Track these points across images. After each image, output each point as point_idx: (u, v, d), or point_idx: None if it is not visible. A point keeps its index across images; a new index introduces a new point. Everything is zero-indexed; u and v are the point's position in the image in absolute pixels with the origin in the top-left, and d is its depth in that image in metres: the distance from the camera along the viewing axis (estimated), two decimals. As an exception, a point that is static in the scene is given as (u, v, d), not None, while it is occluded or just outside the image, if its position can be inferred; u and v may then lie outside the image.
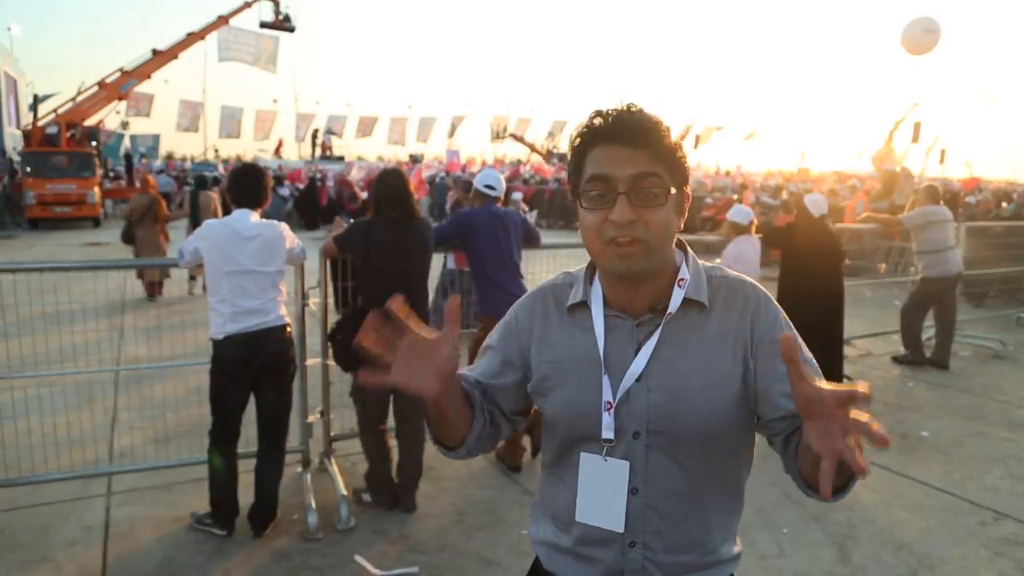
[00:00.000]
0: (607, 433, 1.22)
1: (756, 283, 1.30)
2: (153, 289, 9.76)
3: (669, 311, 1.23)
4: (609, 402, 1.22)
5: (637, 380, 1.21)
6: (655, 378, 1.21)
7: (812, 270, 5.52)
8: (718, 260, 5.15)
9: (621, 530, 1.24)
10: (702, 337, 1.23)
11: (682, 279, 1.25)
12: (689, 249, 1.31)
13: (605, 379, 1.23)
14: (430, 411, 1.23)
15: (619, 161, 1.16)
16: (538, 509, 1.43)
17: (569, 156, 1.26)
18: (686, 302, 1.23)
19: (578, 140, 1.23)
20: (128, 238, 9.69)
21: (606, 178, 1.17)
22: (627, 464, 1.22)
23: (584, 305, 1.29)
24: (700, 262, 1.30)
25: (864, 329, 7.63)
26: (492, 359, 1.38)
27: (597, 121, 1.20)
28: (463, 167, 35.22)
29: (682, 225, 1.25)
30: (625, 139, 1.17)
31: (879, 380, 6.40)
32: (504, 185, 4.43)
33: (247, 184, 3.50)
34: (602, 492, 1.24)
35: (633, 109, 1.20)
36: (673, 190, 1.19)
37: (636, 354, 1.23)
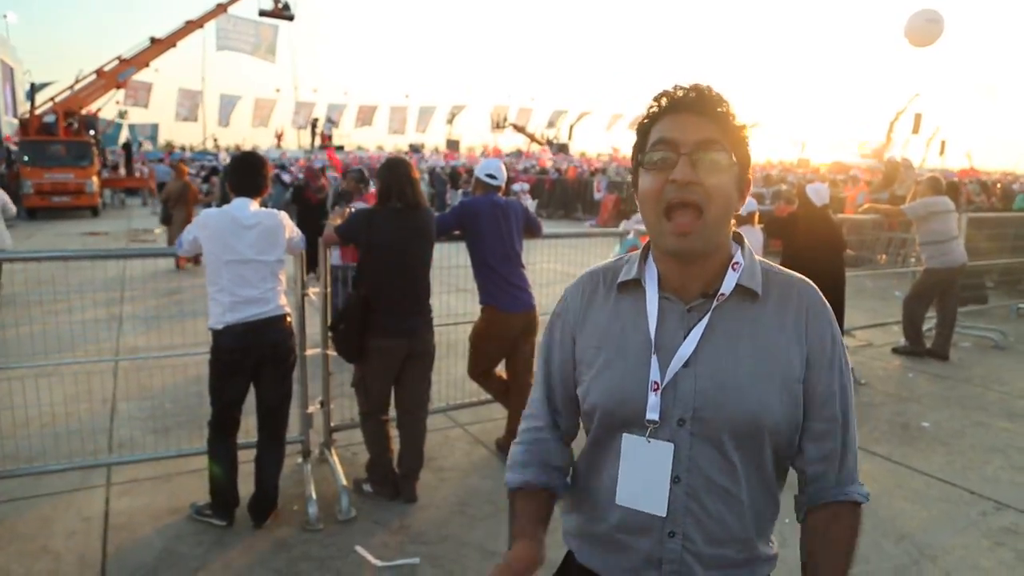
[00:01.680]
0: (652, 414, 1.20)
1: (810, 283, 1.28)
2: (180, 262, 10.50)
3: (722, 292, 1.21)
4: (656, 382, 1.20)
5: (685, 365, 1.19)
6: (704, 364, 1.19)
7: (813, 259, 5.50)
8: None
9: (663, 514, 1.20)
10: (755, 329, 1.21)
11: (737, 263, 1.23)
12: (746, 242, 1.29)
13: (654, 359, 1.21)
14: None
15: (685, 127, 1.17)
16: (569, 500, 1.39)
17: (635, 134, 1.26)
18: (739, 289, 1.22)
19: (645, 119, 1.24)
20: (167, 220, 11.28)
21: (670, 141, 1.17)
22: (671, 446, 1.19)
23: (636, 284, 1.27)
24: (756, 257, 1.29)
25: (865, 320, 7.63)
26: (563, 359, 1.36)
27: (664, 99, 1.21)
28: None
29: (741, 208, 1.24)
30: (692, 108, 1.18)
31: (880, 371, 6.40)
32: (505, 174, 4.40)
33: (246, 173, 3.47)
34: (645, 475, 1.22)
35: (701, 85, 1.20)
36: (735, 161, 1.18)
37: (685, 338, 1.21)
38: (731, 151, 1.18)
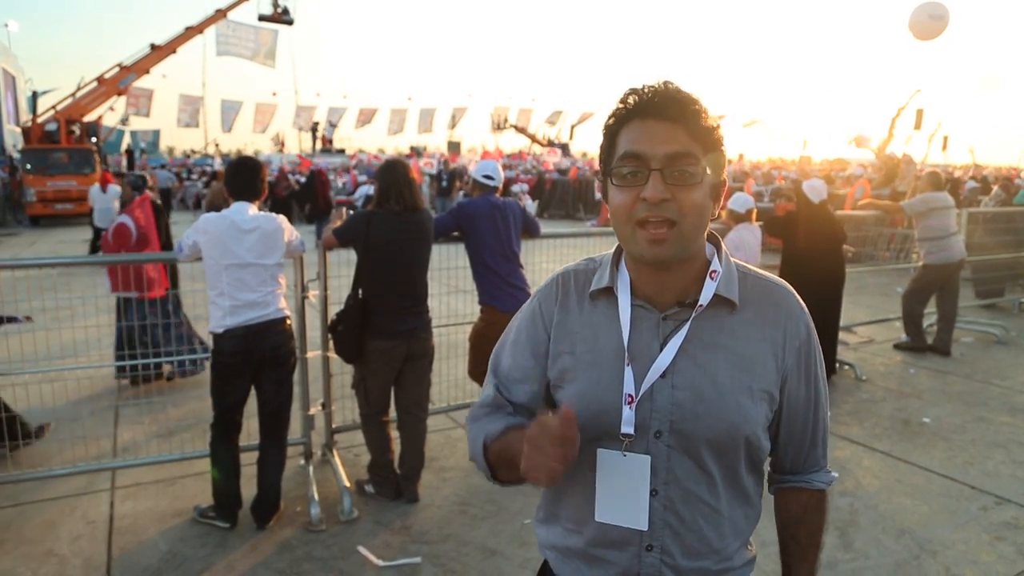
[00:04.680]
0: (627, 428, 1.16)
1: (788, 287, 1.26)
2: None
3: (700, 304, 1.17)
4: (631, 395, 1.16)
5: (662, 376, 1.16)
6: (681, 375, 1.16)
7: (813, 257, 5.52)
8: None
9: (645, 528, 1.18)
10: (732, 338, 1.18)
11: (715, 271, 1.19)
12: (723, 244, 1.25)
13: (628, 371, 1.17)
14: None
15: (654, 137, 1.11)
16: (544, 511, 1.36)
17: (602, 136, 1.20)
18: (717, 299, 1.18)
19: (612, 119, 1.18)
20: None
21: (639, 155, 1.11)
22: (648, 459, 1.17)
23: (609, 292, 1.23)
24: (732, 260, 1.25)
25: (866, 316, 7.63)
26: (523, 353, 1.32)
27: (632, 99, 1.15)
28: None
29: (717, 212, 1.18)
30: (661, 114, 1.11)
31: (881, 367, 6.40)
32: (502, 175, 4.43)
33: (245, 177, 3.50)
34: (623, 490, 1.19)
35: (670, 86, 1.14)
36: (709, 171, 1.12)
37: (661, 348, 1.17)
38: (703, 160, 1.12)
